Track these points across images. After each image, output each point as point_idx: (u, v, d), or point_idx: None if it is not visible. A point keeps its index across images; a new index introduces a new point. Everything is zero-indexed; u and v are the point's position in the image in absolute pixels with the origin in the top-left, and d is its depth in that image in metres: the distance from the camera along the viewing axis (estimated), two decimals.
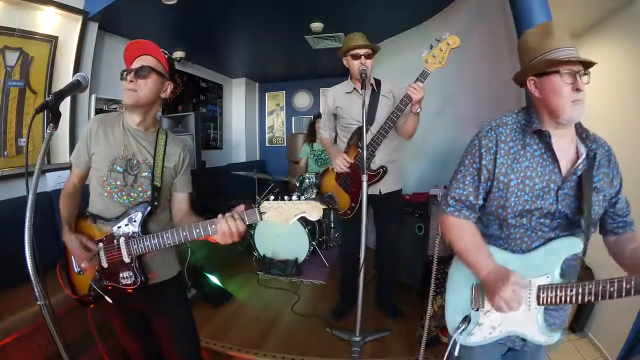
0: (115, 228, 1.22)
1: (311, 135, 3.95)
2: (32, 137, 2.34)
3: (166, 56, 1.30)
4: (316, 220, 3.50)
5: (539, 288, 0.98)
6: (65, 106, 2.47)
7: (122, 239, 1.21)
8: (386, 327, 2.24)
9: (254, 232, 3.40)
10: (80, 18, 2.55)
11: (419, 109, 1.94)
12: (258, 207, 1.10)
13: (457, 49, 1.79)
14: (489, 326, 1.05)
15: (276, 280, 3.12)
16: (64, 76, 2.51)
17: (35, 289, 0.85)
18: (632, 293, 0.83)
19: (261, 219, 1.09)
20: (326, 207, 2.41)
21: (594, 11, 2.25)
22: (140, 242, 1.19)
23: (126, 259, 1.20)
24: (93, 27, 2.71)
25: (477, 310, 1.06)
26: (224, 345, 2.13)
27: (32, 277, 0.85)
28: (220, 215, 1.10)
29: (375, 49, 2.11)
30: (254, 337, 2.22)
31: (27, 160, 0.90)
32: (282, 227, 3.28)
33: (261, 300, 2.80)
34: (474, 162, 1.07)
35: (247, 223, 1.10)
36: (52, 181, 2.42)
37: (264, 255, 3.36)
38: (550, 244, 1.02)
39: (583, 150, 1.01)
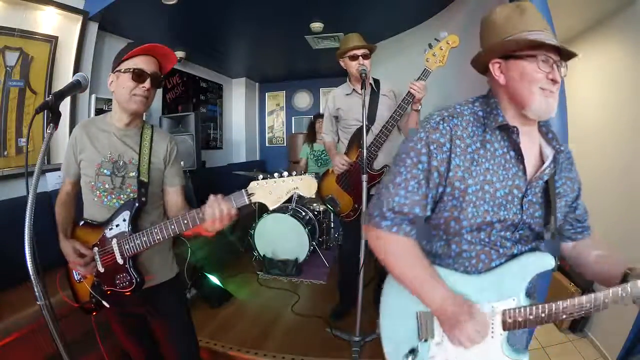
0: (107, 230, 1.21)
1: (311, 135, 3.95)
2: (32, 137, 2.34)
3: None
4: (316, 220, 3.55)
5: (504, 313, 0.84)
6: (65, 106, 2.47)
7: (114, 241, 1.20)
8: None
9: (254, 232, 3.40)
10: (80, 18, 2.55)
11: (419, 107, 1.95)
12: (246, 189, 1.02)
13: (458, 49, 1.79)
14: (444, 359, 0.89)
15: (276, 280, 3.12)
16: (64, 76, 2.51)
17: (35, 289, 0.85)
18: (607, 306, 0.77)
19: (249, 201, 1.02)
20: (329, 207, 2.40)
21: (594, 11, 2.25)
22: (130, 242, 1.18)
23: (120, 260, 1.19)
24: (93, 27, 2.71)
25: (426, 341, 0.89)
26: (224, 345, 2.13)
27: (32, 277, 0.85)
28: (210, 198, 1.06)
29: (372, 48, 2.11)
30: (254, 337, 2.22)
31: (27, 160, 0.90)
32: (282, 227, 3.29)
33: (261, 300, 2.80)
34: (419, 161, 0.83)
35: (236, 206, 1.05)
36: (52, 181, 2.42)
37: (264, 255, 3.36)
38: (514, 263, 0.86)
39: (549, 152, 0.86)
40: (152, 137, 1.29)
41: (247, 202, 1.03)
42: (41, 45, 2.38)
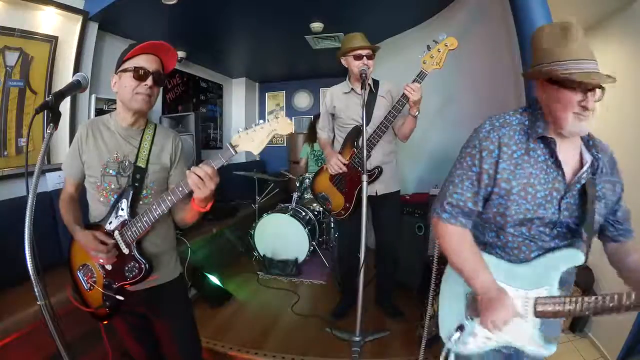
0: (107, 225, 1.22)
1: (311, 135, 3.95)
2: (32, 137, 2.34)
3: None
4: (316, 220, 3.55)
5: (537, 300, 0.95)
6: (65, 106, 2.47)
7: (116, 232, 1.20)
8: (386, 327, 2.24)
9: (254, 232, 3.40)
10: (80, 18, 2.55)
11: (417, 112, 1.94)
12: (229, 142, 1.07)
13: (458, 49, 1.79)
14: (484, 336, 1.01)
15: (276, 280, 3.12)
16: (64, 76, 2.51)
17: (35, 289, 0.85)
18: (632, 309, 0.81)
19: (235, 152, 1.07)
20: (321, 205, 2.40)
21: (594, 11, 2.25)
22: (133, 226, 1.18)
23: (125, 250, 1.20)
24: (93, 27, 2.71)
25: (472, 319, 1.01)
26: (224, 345, 2.13)
27: (32, 277, 0.85)
28: (187, 171, 1.06)
29: (376, 49, 2.11)
30: (254, 337, 2.22)
31: (27, 160, 0.90)
32: (282, 227, 3.29)
33: (261, 300, 2.80)
34: (473, 164, 0.98)
35: (224, 160, 1.08)
36: (52, 181, 2.42)
37: (264, 255, 3.36)
38: (549, 256, 0.97)
39: (588, 158, 0.95)
40: (154, 132, 1.30)
41: (234, 153, 1.07)
42: (41, 45, 2.38)
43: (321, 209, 3.71)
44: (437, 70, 1.83)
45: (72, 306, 1.31)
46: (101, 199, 1.24)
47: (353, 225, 1.90)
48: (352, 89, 2.19)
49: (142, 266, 1.20)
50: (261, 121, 1.05)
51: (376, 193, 2.20)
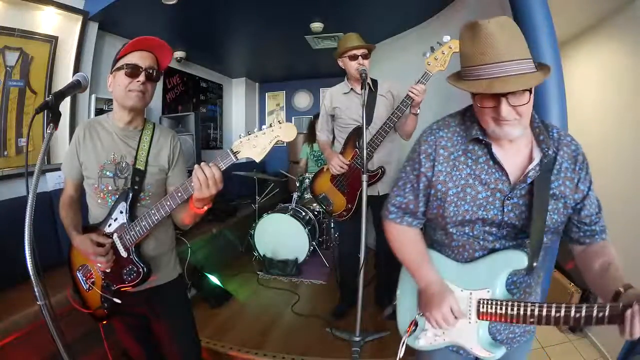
0: (106, 228, 1.21)
1: (311, 135, 3.95)
2: (32, 137, 2.34)
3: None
4: (316, 220, 3.55)
5: (479, 302, 0.92)
6: (65, 106, 2.47)
7: (114, 235, 1.20)
8: (386, 327, 2.24)
9: (254, 232, 3.40)
10: (80, 18, 2.55)
11: (418, 111, 1.94)
12: (230, 148, 1.03)
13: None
14: (433, 333, 1.01)
15: (276, 280, 3.12)
16: (64, 76, 2.51)
17: (35, 289, 0.85)
18: (581, 323, 0.77)
19: (236, 158, 1.03)
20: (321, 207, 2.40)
21: (595, 11, 2.25)
22: (131, 230, 1.17)
23: (123, 253, 1.20)
24: (93, 27, 2.71)
25: (422, 315, 1.00)
26: (224, 345, 2.13)
27: (32, 277, 0.85)
28: (195, 166, 1.03)
29: (371, 48, 2.11)
30: (254, 337, 2.22)
31: (27, 160, 0.90)
32: (282, 227, 3.29)
33: (261, 300, 2.80)
34: (413, 169, 1.00)
35: (223, 168, 1.03)
36: (52, 181, 2.42)
37: (264, 255, 3.36)
38: (492, 257, 0.93)
39: (537, 155, 0.89)
40: (153, 132, 1.29)
41: (234, 160, 1.03)
42: (41, 45, 2.38)
43: (321, 210, 3.72)
44: (436, 77, 1.83)
45: (72, 306, 1.31)
46: (99, 201, 1.24)
47: (355, 226, 1.90)
48: (352, 89, 2.19)
49: (141, 270, 1.19)
50: (264, 126, 1.02)
51: (378, 193, 2.20)
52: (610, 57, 2.26)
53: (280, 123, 1.01)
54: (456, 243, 0.98)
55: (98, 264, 1.20)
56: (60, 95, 0.99)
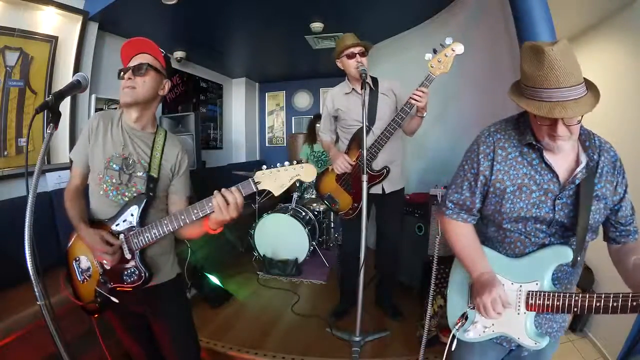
0: (113, 226, 1.21)
1: (311, 136, 3.95)
2: (32, 137, 2.34)
3: (163, 53, 1.29)
4: (316, 220, 3.55)
5: (528, 294, 0.99)
6: (65, 106, 2.47)
7: (121, 236, 1.20)
8: (386, 327, 2.24)
9: (254, 232, 3.40)
10: (80, 18, 2.55)
11: (425, 114, 1.95)
12: (252, 177, 1.08)
13: None
14: (483, 325, 1.08)
15: (276, 280, 3.12)
16: (64, 76, 2.51)
17: (35, 289, 0.85)
18: (619, 311, 0.84)
19: (256, 188, 1.08)
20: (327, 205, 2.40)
21: (594, 11, 2.25)
22: (140, 235, 1.19)
23: (127, 255, 1.20)
24: (93, 27, 2.71)
25: (473, 308, 1.08)
26: (224, 345, 2.13)
27: (32, 277, 0.85)
28: (216, 191, 1.08)
29: (368, 46, 2.11)
30: (254, 337, 2.22)
31: (27, 160, 0.90)
32: (282, 227, 3.29)
33: (261, 300, 2.80)
34: (471, 167, 1.07)
35: (244, 194, 1.09)
36: (52, 181, 2.42)
37: (264, 255, 3.36)
38: (540, 252, 1.02)
39: (583, 159, 0.98)
40: (164, 141, 1.32)
41: (255, 190, 1.08)
42: (41, 45, 2.38)
43: (321, 208, 3.72)
44: (438, 80, 1.83)
45: (72, 306, 1.31)
46: (100, 192, 1.23)
47: (358, 225, 1.91)
48: (353, 89, 2.19)
49: (142, 274, 1.20)
50: (287, 163, 1.08)
51: (383, 191, 2.21)
52: (610, 57, 2.26)
53: (302, 163, 1.08)
54: (509, 239, 1.05)
55: (104, 261, 1.21)
56: (60, 95, 0.99)
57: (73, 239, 1.30)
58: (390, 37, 3.58)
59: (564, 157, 0.99)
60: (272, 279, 3.16)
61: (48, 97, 1.07)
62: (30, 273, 0.85)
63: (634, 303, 0.82)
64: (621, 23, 2.13)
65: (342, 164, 2.12)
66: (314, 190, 3.77)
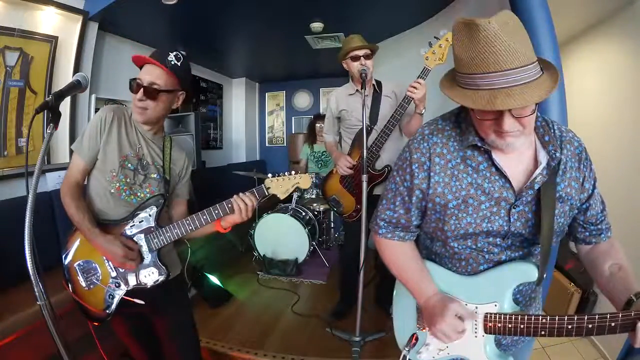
0: (127, 227, 1.20)
1: (311, 136, 3.95)
2: (32, 137, 2.34)
3: (181, 60, 1.27)
4: (316, 220, 3.54)
5: (486, 316, 0.86)
6: (65, 106, 2.47)
7: (139, 237, 1.21)
8: (386, 327, 2.24)
9: (254, 232, 3.40)
10: (80, 18, 2.55)
11: (423, 110, 1.94)
12: (263, 184, 1.25)
13: None
14: (436, 347, 0.94)
15: (276, 280, 3.12)
16: (64, 76, 2.51)
17: (35, 289, 0.85)
18: (594, 333, 0.73)
19: (268, 193, 1.24)
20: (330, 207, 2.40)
21: (594, 11, 2.25)
22: (160, 235, 1.21)
23: (146, 256, 1.21)
24: (93, 27, 2.71)
25: (423, 330, 0.95)
26: (224, 345, 2.13)
27: (32, 277, 0.85)
28: (235, 196, 1.20)
29: (374, 49, 2.11)
30: (254, 337, 2.22)
31: (27, 160, 0.90)
32: (282, 227, 3.29)
33: (261, 300, 2.80)
34: (404, 180, 0.90)
35: (259, 199, 1.24)
36: (52, 181, 2.41)
37: (264, 255, 3.36)
38: (497, 270, 0.87)
39: (542, 158, 0.81)
40: (171, 148, 1.34)
41: (267, 194, 1.25)
42: (41, 45, 2.38)
43: (321, 208, 3.71)
44: (438, 71, 1.83)
45: (72, 306, 1.30)
46: (112, 191, 1.20)
47: (359, 226, 1.91)
48: (357, 90, 2.19)
49: (163, 272, 1.22)
50: (292, 172, 1.26)
51: None
52: (610, 57, 2.26)
53: (301, 174, 1.25)
54: (458, 256, 0.90)
55: (127, 267, 1.18)
56: (60, 95, 0.99)
57: (74, 245, 1.23)
58: (390, 37, 3.58)
59: (518, 157, 0.83)
60: (272, 279, 3.15)
61: (48, 97, 1.07)
62: (30, 273, 0.85)
63: (612, 324, 0.70)
64: (621, 23, 2.13)
65: (343, 165, 2.13)
66: (315, 190, 3.78)
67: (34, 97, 2.37)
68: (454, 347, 0.91)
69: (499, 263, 0.88)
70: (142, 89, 1.18)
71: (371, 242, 2.98)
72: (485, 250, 0.87)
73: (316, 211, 3.69)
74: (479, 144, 0.81)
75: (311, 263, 3.37)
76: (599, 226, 0.90)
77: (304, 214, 3.49)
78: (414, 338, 0.92)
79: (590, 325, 0.73)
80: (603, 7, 2.16)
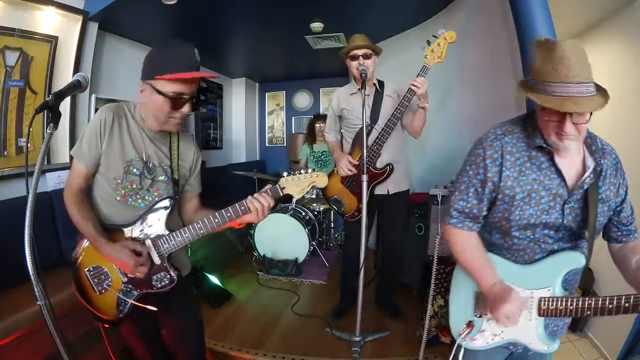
0: (137, 232, 1.17)
1: (311, 135, 3.95)
2: (32, 137, 2.34)
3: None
4: (316, 220, 3.55)
5: (540, 300, 1.00)
6: (65, 106, 2.47)
7: (148, 241, 1.16)
8: (386, 327, 2.24)
9: (254, 232, 3.40)
10: (80, 18, 2.55)
11: (426, 103, 1.94)
12: (278, 184, 1.22)
13: (458, 48, 1.80)
14: (491, 333, 1.07)
15: (276, 280, 3.12)
16: (64, 76, 2.51)
17: (35, 289, 0.85)
18: (631, 311, 0.85)
19: (282, 193, 1.20)
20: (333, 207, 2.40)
21: (594, 11, 2.25)
22: (170, 240, 1.16)
23: (157, 260, 1.17)
24: (93, 27, 2.71)
25: (480, 317, 1.07)
26: (224, 345, 2.13)
27: (32, 277, 0.85)
28: (249, 197, 1.18)
29: (375, 49, 2.11)
30: (254, 337, 2.23)
31: (27, 160, 0.90)
32: (282, 227, 3.29)
33: (261, 300, 2.80)
34: (477, 173, 1.03)
35: (273, 199, 1.20)
36: (52, 181, 2.42)
37: (264, 255, 3.36)
38: (552, 258, 1.01)
39: (590, 163, 0.97)
40: (178, 142, 1.28)
41: (281, 195, 1.21)
42: (41, 45, 2.38)
43: (321, 208, 3.71)
44: (438, 70, 1.84)
45: (72, 306, 1.30)
46: (117, 198, 1.16)
47: (360, 226, 1.91)
48: (359, 89, 2.19)
49: (174, 276, 1.19)
50: (309, 169, 1.22)
51: (388, 192, 2.21)
52: (610, 57, 2.26)
53: (317, 172, 1.22)
54: (517, 247, 1.03)
55: (137, 274, 1.14)
56: (60, 95, 0.98)
57: (83, 249, 1.19)
58: (390, 37, 3.58)
59: (570, 161, 0.98)
60: (272, 279, 3.16)
61: (48, 97, 1.06)
62: (30, 273, 0.84)
63: None
64: (621, 23, 2.13)
65: (345, 166, 2.13)
66: (315, 190, 3.78)
67: (34, 97, 2.37)
68: (508, 332, 1.04)
69: (552, 252, 1.01)
70: (188, 103, 1.13)
71: (371, 242, 2.98)
72: (542, 240, 1.00)
73: (316, 211, 3.69)
74: (544, 145, 0.95)
75: (311, 263, 3.38)
76: (629, 227, 1.04)
77: (304, 214, 3.49)
78: (469, 325, 1.06)
79: (627, 305, 0.86)
80: (603, 7, 2.16)
